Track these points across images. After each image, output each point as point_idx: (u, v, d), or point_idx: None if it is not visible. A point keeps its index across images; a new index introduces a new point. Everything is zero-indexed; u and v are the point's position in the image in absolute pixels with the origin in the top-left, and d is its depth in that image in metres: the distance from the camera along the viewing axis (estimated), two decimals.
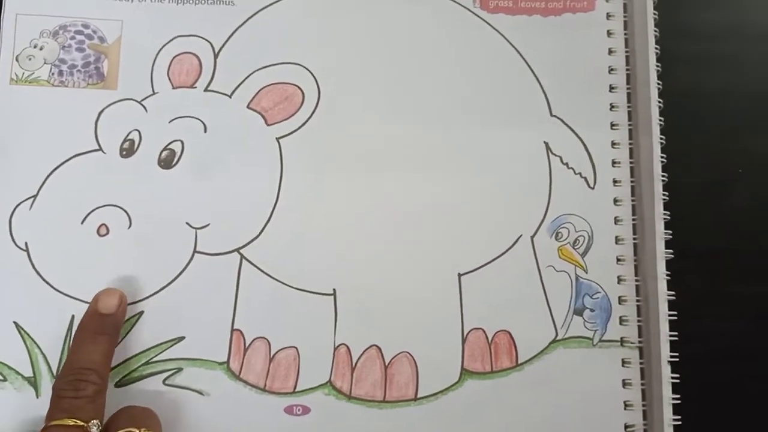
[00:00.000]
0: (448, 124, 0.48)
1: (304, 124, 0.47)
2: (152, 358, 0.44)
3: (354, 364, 0.45)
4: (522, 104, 0.49)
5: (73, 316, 0.44)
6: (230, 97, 0.47)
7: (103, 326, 0.41)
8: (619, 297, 0.47)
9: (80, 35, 0.47)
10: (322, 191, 0.46)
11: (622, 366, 0.46)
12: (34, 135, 0.46)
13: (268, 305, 0.45)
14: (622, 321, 0.47)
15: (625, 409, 0.45)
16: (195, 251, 0.45)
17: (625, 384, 0.46)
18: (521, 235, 0.47)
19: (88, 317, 0.42)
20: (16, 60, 0.47)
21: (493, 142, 0.48)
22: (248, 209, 0.46)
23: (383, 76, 0.48)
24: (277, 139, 0.46)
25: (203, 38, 0.48)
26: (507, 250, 0.46)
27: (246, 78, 0.47)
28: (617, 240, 0.48)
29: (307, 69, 0.48)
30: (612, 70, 0.50)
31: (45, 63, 0.47)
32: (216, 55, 0.47)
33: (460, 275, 0.46)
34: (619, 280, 0.47)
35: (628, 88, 0.49)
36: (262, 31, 0.47)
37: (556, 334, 0.46)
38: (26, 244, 0.44)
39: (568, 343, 0.46)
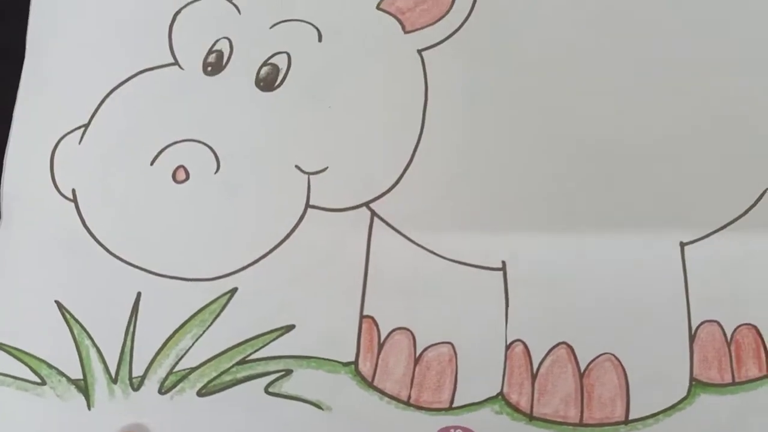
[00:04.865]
0: (656, 41, 0.40)
1: (455, 32, 0.40)
2: (250, 354, 0.37)
3: (535, 371, 0.37)
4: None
5: (139, 294, 0.38)
6: None
7: None
8: None
9: None
10: (482, 123, 0.40)
11: None
12: (85, 42, 0.40)
13: (410, 283, 0.38)
14: None
15: None
16: (308, 205, 0.39)
17: None
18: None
19: None
20: None
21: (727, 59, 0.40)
22: (381, 148, 0.39)
23: None
24: (419, 51, 0.40)
25: None
26: (748, 210, 0.38)
27: None
28: None
29: None
30: None
31: None
32: None
33: (683, 245, 0.38)
34: None
35: None
36: None
37: None
38: (74, 191, 0.39)
39: None
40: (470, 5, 0.40)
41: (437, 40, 0.40)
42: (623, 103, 0.40)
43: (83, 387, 0.37)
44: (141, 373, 0.37)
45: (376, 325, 0.38)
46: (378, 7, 0.40)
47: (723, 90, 0.40)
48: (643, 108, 0.40)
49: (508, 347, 0.37)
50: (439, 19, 0.40)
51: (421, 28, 0.40)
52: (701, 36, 0.41)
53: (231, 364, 0.37)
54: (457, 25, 0.40)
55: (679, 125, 0.40)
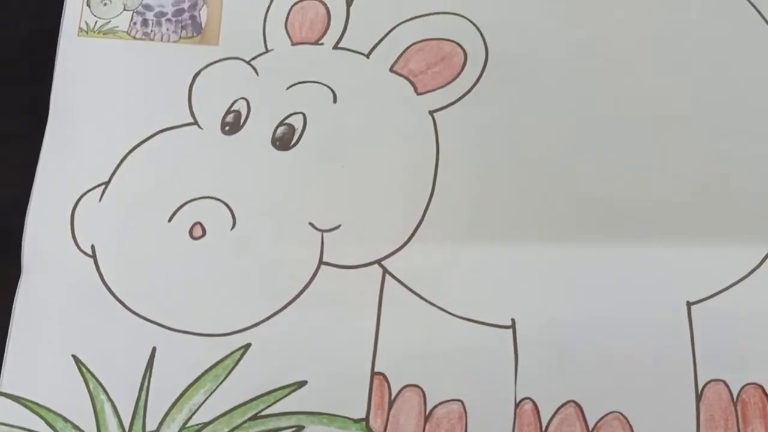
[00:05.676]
0: (666, 100, 0.40)
1: (466, 93, 0.40)
2: (262, 410, 0.37)
3: (545, 428, 0.36)
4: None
5: (154, 349, 0.37)
6: (368, 57, 0.41)
7: None
8: None
9: None
10: (493, 183, 0.40)
11: None
12: (108, 102, 0.41)
13: (420, 339, 0.38)
14: None
15: None
16: (321, 262, 0.38)
17: None
18: None
19: None
20: (87, 5, 0.42)
21: (731, 117, 0.40)
22: (393, 207, 0.39)
23: (574, 31, 0.41)
24: (431, 113, 0.40)
25: None
26: (755, 269, 0.38)
27: (389, 32, 0.41)
28: None
29: (471, 21, 0.41)
30: None
31: (125, 9, 0.42)
32: (349, 2, 0.42)
33: (689, 304, 0.38)
34: None
35: None
36: None
37: None
38: (93, 248, 0.39)
39: None
40: (480, 68, 0.40)
41: (449, 102, 0.40)
42: (636, 161, 0.40)
43: None
44: (154, 428, 0.36)
45: (387, 381, 0.37)
46: (391, 70, 0.40)
47: (733, 152, 0.40)
48: (655, 167, 0.40)
49: (517, 405, 0.36)
50: (451, 81, 0.40)
51: (433, 89, 0.40)
52: (718, 98, 0.41)
53: (243, 420, 0.36)
54: (468, 87, 0.40)
55: (687, 186, 0.39)
